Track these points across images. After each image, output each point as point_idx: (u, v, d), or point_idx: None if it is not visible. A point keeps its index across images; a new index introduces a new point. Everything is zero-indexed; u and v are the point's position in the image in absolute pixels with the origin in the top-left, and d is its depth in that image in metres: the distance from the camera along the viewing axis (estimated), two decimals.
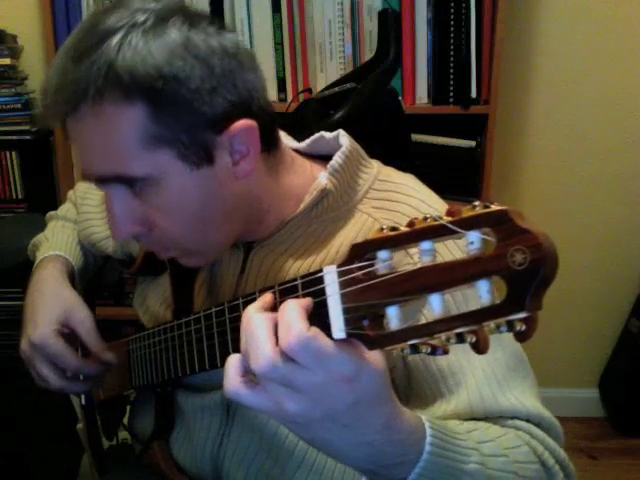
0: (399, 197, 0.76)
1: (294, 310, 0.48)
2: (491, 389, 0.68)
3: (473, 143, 1.81)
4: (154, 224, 0.68)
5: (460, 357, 0.69)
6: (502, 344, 0.70)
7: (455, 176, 1.80)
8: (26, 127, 1.80)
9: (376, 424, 0.51)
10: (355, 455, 0.53)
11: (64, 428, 1.48)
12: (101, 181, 0.67)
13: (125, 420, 1.01)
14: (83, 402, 1.02)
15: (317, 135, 0.81)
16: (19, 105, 1.79)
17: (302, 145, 0.82)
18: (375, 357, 0.49)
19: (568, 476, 0.67)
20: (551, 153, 2.04)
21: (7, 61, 1.78)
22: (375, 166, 0.80)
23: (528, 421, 0.68)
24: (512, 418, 0.68)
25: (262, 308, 0.52)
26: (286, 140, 0.81)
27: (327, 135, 0.80)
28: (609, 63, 1.96)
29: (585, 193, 2.07)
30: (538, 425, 0.68)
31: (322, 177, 0.74)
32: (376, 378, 0.49)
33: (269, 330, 0.49)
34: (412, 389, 0.72)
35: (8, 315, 1.76)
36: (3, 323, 1.75)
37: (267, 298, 0.53)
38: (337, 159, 0.75)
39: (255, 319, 0.50)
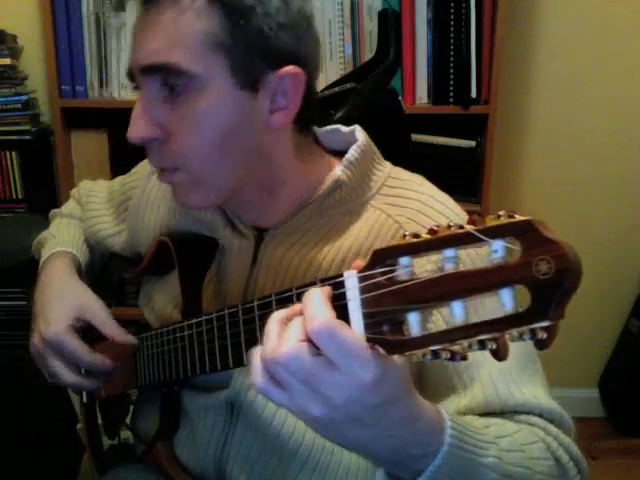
0: (409, 194, 0.77)
1: (319, 299, 0.48)
2: (505, 384, 0.68)
3: (473, 143, 1.81)
4: (174, 134, 0.68)
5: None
6: None
7: (455, 176, 1.80)
8: (26, 127, 1.80)
9: (400, 418, 0.51)
10: (380, 449, 0.53)
11: (64, 428, 1.48)
12: (148, 70, 0.67)
13: (127, 420, 1.00)
14: (85, 400, 1.02)
15: (333, 127, 0.82)
16: (19, 105, 1.79)
17: (319, 131, 0.82)
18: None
19: (581, 472, 0.67)
20: (551, 153, 2.04)
21: (7, 61, 1.78)
22: (387, 165, 0.81)
23: (541, 416, 0.68)
24: (527, 413, 0.68)
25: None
26: None
27: (343, 129, 0.81)
28: (609, 63, 1.96)
29: (585, 193, 2.07)
30: (551, 420, 0.69)
31: (337, 169, 0.76)
32: (399, 377, 0.50)
33: (300, 325, 0.49)
34: (424, 384, 0.72)
35: (8, 315, 1.76)
36: (3, 323, 1.75)
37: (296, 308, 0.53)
38: (353, 152, 0.76)
39: (280, 313, 0.51)
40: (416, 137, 1.78)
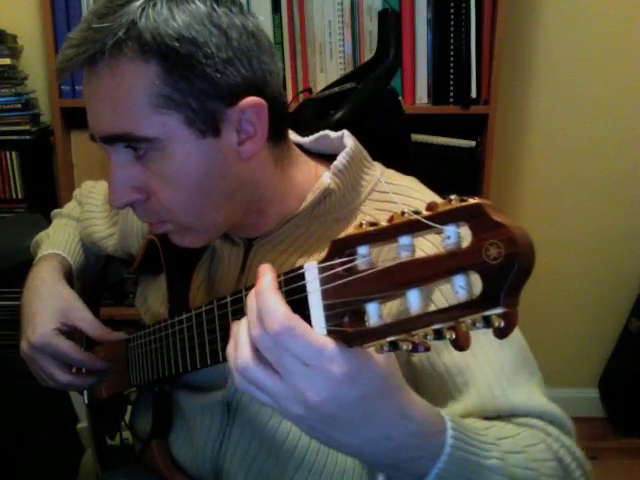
0: (401, 199, 0.76)
1: (271, 295, 0.48)
2: (501, 386, 0.67)
3: (473, 143, 1.81)
4: (153, 192, 0.68)
5: (466, 354, 0.67)
6: (508, 341, 0.68)
7: (455, 176, 1.81)
8: (26, 127, 1.80)
9: (391, 416, 0.50)
10: (376, 452, 0.52)
11: (64, 428, 1.48)
12: (107, 140, 0.67)
13: (127, 420, 1.01)
14: (86, 401, 1.02)
15: (322, 133, 0.81)
16: (19, 105, 1.79)
17: (305, 141, 0.82)
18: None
19: (585, 473, 0.66)
20: (551, 153, 2.04)
21: (7, 61, 1.78)
22: (378, 168, 0.80)
23: (541, 418, 0.67)
24: (525, 416, 0.67)
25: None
26: (291, 135, 0.81)
27: (332, 135, 0.80)
28: (609, 63, 1.96)
29: (585, 193, 2.07)
30: (551, 422, 0.67)
31: (325, 177, 0.74)
32: (377, 370, 0.49)
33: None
34: (419, 390, 0.71)
35: (8, 315, 1.76)
36: (3, 323, 1.75)
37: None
38: (341, 159, 0.75)
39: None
40: (416, 137, 1.78)
